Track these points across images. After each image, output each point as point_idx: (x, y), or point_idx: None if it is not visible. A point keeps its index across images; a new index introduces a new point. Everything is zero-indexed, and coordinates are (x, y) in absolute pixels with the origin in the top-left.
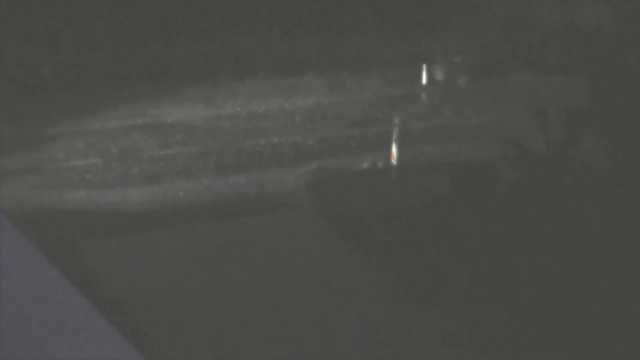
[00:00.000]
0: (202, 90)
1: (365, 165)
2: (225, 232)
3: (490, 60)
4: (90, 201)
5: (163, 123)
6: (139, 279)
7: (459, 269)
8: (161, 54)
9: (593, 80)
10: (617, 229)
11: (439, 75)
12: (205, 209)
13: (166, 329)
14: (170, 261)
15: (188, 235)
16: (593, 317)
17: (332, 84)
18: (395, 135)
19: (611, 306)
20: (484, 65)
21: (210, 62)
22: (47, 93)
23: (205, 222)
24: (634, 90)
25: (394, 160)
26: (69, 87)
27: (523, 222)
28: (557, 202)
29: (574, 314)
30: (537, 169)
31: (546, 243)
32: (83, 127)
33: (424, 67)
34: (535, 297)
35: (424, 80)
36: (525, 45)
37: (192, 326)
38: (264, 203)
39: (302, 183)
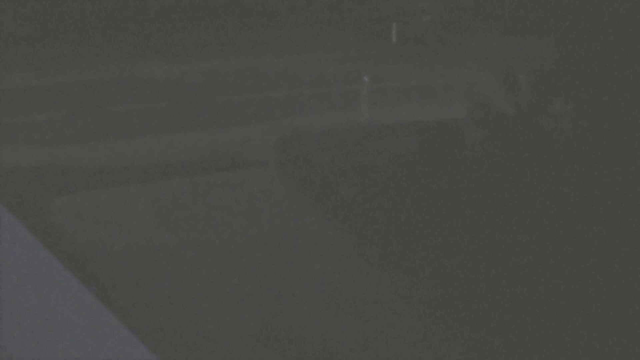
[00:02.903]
0: (170, 44)
1: (332, 124)
2: (191, 190)
3: (461, 19)
4: (54, 157)
5: (130, 77)
6: (105, 235)
7: (423, 229)
8: (127, 6)
9: (562, 42)
10: (581, 194)
11: (409, 34)
12: (171, 166)
13: (132, 288)
14: (135, 219)
15: (153, 193)
16: (561, 288)
17: (303, 41)
18: (363, 94)
19: (583, 276)
20: (454, 25)
21: (177, 16)
22: (8, 45)
23: (171, 179)
24: (604, 54)
25: (362, 119)
26: (31, 40)
27: (488, 184)
28: (523, 164)
29: (538, 282)
30: (504, 132)
31: (511, 205)
32: (46, 80)
33: (394, 25)
34: (499, 256)
35: (394, 38)
36: (497, 5)
37: (156, 285)
38: (230, 160)
39: (269, 141)
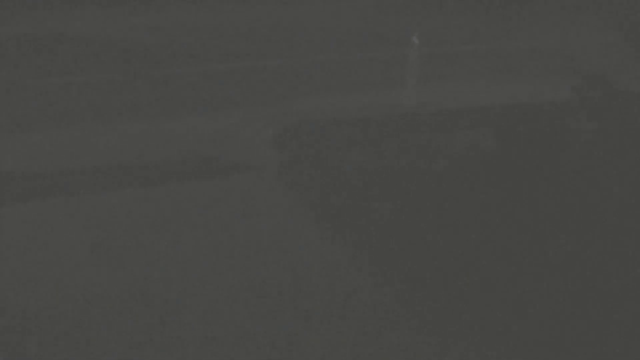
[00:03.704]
0: None
1: (360, 109)
2: (142, 208)
3: None
4: None
5: (65, 35)
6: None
7: (508, 264)
8: None
9: None
10: None
11: None
12: (129, 169)
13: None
14: (52, 251)
15: (81, 212)
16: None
17: None
18: (410, 63)
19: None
20: None
21: None
22: None
23: (110, 192)
24: None
25: (407, 102)
26: None
27: (601, 195)
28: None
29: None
30: (630, 120)
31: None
32: None
33: None
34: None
35: None
36: None
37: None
38: (204, 163)
39: (264, 134)
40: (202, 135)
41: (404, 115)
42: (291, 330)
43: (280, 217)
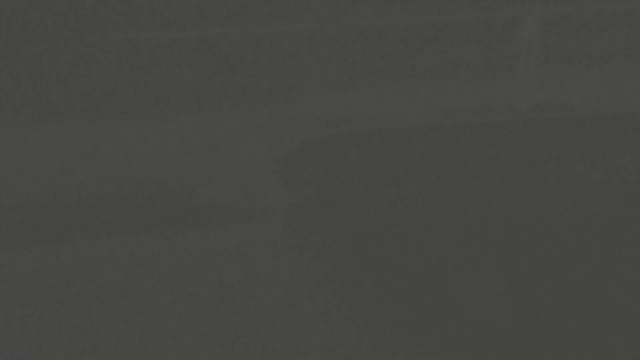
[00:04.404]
0: None
1: (430, 111)
2: (137, 256)
3: None
4: None
5: None
6: None
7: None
8: None
9: None
10: None
11: None
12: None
13: None
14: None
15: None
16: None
17: None
18: (525, 35)
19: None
20: None
21: None
22: None
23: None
24: None
25: (517, 100)
26: None
27: None
28: None
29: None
30: None
31: None
32: None
33: None
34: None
35: None
36: None
37: None
38: (198, 205)
39: (270, 151)
40: (198, 173)
41: (512, 122)
42: None
43: (293, 301)
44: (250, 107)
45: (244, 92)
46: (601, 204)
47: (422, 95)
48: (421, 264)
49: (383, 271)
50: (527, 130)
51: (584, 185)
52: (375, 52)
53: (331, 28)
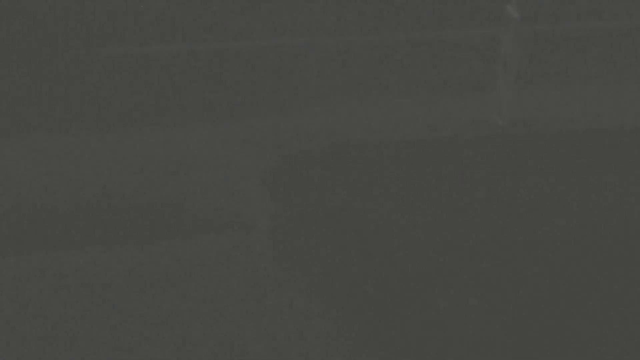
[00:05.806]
0: None
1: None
2: (124, 264)
3: None
4: None
5: None
6: None
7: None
8: None
9: None
10: None
11: None
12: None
13: None
14: None
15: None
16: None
17: None
18: (506, 48)
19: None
20: None
21: None
22: None
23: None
24: None
25: (498, 117)
26: None
27: None
28: None
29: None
30: None
31: None
32: None
33: None
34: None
35: None
36: None
37: None
38: (188, 215)
39: (262, 165)
40: (185, 182)
41: (490, 138)
42: None
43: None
44: (240, 120)
45: (233, 106)
46: (577, 217)
47: (404, 110)
48: (404, 272)
49: (368, 279)
50: (505, 145)
51: (561, 199)
52: (360, 68)
53: (319, 44)
